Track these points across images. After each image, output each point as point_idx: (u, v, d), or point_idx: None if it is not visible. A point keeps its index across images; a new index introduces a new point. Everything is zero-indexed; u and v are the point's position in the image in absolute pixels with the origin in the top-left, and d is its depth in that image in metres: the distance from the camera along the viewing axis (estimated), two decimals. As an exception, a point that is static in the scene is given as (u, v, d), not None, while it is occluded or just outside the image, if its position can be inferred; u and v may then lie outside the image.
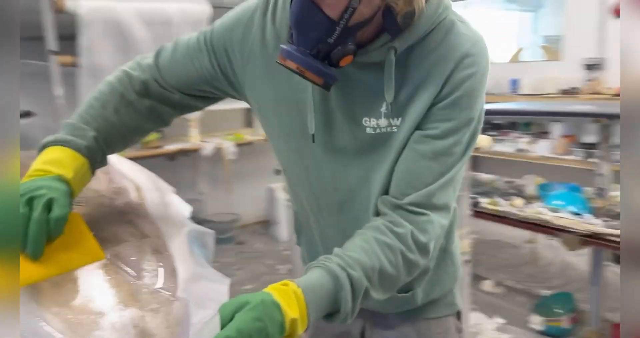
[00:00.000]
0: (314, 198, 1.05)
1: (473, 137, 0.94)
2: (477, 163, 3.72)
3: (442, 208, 0.93)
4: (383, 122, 0.93)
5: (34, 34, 3.10)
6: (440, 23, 0.89)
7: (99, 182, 1.07)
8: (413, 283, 1.06)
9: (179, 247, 0.93)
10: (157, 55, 1.05)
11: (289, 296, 0.73)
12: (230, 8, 1.05)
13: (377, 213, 0.95)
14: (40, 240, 0.77)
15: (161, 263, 0.88)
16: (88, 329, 0.73)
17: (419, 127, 0.92)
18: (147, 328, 0.75)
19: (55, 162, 0.87)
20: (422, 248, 0.90)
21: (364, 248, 0.85)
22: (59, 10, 2.95)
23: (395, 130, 0.93)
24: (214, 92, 1.05)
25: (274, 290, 0.73)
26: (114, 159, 1.11)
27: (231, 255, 4.21)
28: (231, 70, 1.01)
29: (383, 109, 0.92)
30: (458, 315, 1.20)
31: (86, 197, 0.99)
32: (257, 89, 1.00)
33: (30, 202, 0.78)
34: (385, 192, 0.95)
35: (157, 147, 3.70)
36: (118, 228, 0.96)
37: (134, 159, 1.27)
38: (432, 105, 0.90)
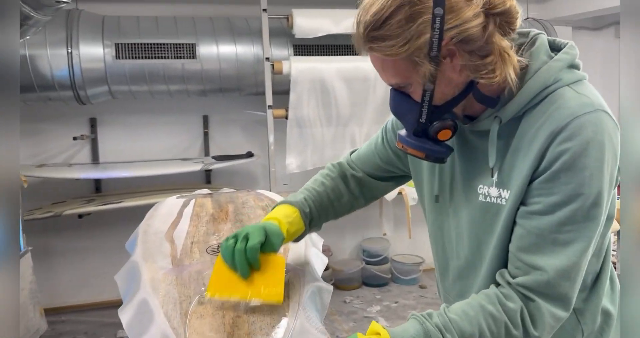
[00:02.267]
0: (443, 259, 1.12)
1: (590, 220, 0.86)
2: None
3: (555, 298, 0.88)
4: (494, 191, 0.95)
5: (259, 91, 3.77)
6: (551, 94, 0.89)
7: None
8: None
9: (295, 302, 1.13)
10: (351, 152, 1.33)
11: None
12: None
13: (497, 283, 0.95)
14: (242, 264, 1.02)
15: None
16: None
17: (523, 202, 0.91)
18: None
19: (278, 213, 1.15)
20: (527, 332, 0.88)
21: (467, 315, 0.87)
22: (277, 72, 3.55)
23: (504, 203, 0.93)
24: (395, 171, 1.25)
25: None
26: None
27: (412, 297, 4.29)
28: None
29: (495, 177, 0.95)
30: None
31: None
32: (414, 161, 1.17)
33: (235, 236, 1.06)
34: (497, 267, 0.97)
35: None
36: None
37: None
38: (533, 180, 0.90)
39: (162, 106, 4.08)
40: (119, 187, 4.05)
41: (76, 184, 3.92)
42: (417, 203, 1.40)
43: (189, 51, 3.56)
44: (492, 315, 0.87)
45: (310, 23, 3.56)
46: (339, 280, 4.39)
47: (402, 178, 1.27)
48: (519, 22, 0.92)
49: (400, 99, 0.95)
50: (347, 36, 3.65)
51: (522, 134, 0.91)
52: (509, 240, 0.95)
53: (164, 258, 1.33)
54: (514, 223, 0.93)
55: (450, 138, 0.96)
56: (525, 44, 0.95)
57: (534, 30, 0.97)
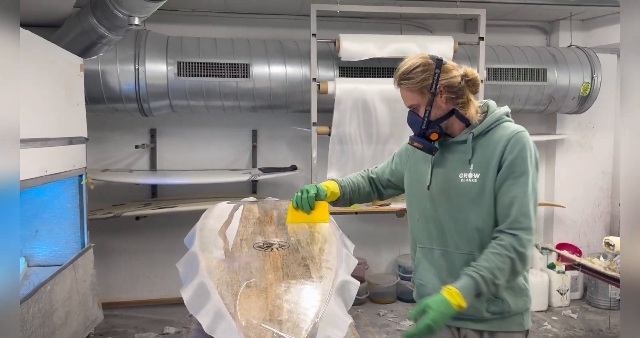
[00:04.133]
0: (433, 230, 1.74)
1: (532, 188, 1.58)
2: None
3: (526, 228, 1.56)
4: (470, 175, 1.65)
5: (305, 108, 4.02)
6: (500, 122, 1.68)
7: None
8: (501, 292, 1.63)
9: (328, 291, 1.33)
10: (373, 169, 2.08)
11: (452, 295, 1.47)
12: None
13: (475, 241, 1.64)
14: (305, 205, 1.85)
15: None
16: None
17: (498, 183, 1.60)
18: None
19: (328, 183, 1.96)
20: (520, 252, 1.54)
21: (486, 258, 1.54)
22: (323, 92, 3.79)
23: (475, 181, 1.63)
24: (394, 182, 1.98)
25: (444, 293, 1.48)
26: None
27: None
28: (401, 166, 1.93)
29: (471, 166, 1.65)
30: (526, 333, 1.71)
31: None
32: (411, 170, 1.86)
33: (302, 190, 1.87)
34: (469, 227, 1.64)
35: (385, 205, 4.20)
36: (297, 268, 1.43)
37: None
38: (499, 166, 1.60)
39: (216, 120, 4.41)
40: (174, 192, 4.38)
41: (135, 188, 4.27)
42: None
43: (243, 70, 3.87)
44: (496, 252, 1.54)
45: (356, 47, 3.79)
46: (374, 294, 4.53)
47: (397, 189, 2.01)
48: (481, 87, 1.81)
49: (412, 115, 1.74)
50: (389, 60, 3.91)
51: (487, 143, 1.65)
52: (475, 204, 1.63)
53: (218, 250, 1.56)
54: (480, 195, 1.62)
55: (437, 139, 1.70)
56: (484, 104, 1.76)
57: (484, 100, 1.78)
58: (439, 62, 1.65)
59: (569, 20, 4.70)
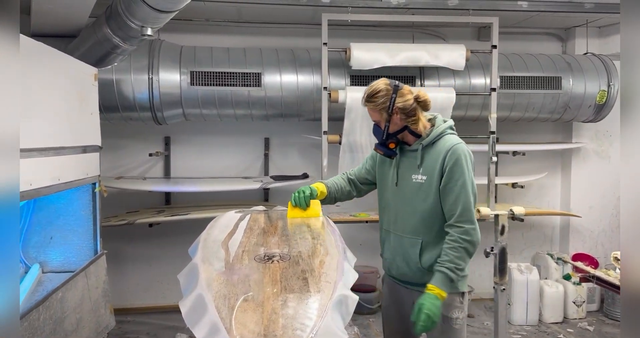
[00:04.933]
0: (392, 216, 2.20)
1: (470, 186, 2.02)
2: None
3: (469, 220, 2.01)
4: (419, 176, 2.09)
5: (316, 117, 4.03)
6: (443, 135, 2.10)
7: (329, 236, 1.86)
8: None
9: (324, 306, 1.33)
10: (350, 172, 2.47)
11: (432, 289, 1.96)
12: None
13: (419, 228, 2.11)
14: (302, 203, 2.23)
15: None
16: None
17: (441, 184, 2.04)
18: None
19: (318, 185, 2.35)
20: (467, 240, 1.99)
21: (445, 254, 2.01)
22: (334, 101, 3.80)
23: (423, 181, 2.08)
24: (369, 180, 2.38)
25: (427, 290, 1.96)
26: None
27: (457, 324, 4.32)
28: (374, 166, 2.35)
29: (420, 170, 2.09)
30: (462, 294, 2.12)
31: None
32: (379, 169, 2.30)
33: (299, 191, 2.26)
34: (416, 217, 2.11)
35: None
36: (295, 282, 1.43)
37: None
38: (442, 172, 2.03)
39: (229, 128, 4.45)
40: (187, 199, 4.42)
41: (149, 196, 4.33)
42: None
43: (255, 80, 3.90)
44: (450, 246, 2.00)
45: (367, 56, 3.79)
46: (385, 302, 4.49)
47: (372, 185, 2.38)
48: (430, 106, 2.12)
49: (376, 128, 2.17)
50: (400, 68, 3.93)
51: (432, 152, 2.08)
52: (422, 199, 2.08)
53: (219, 262, 1.57)
54: (426, 192, 2.07)
55: (395, 147, 2.14)
56: (433, 118, 2.17)
57: (435, 114, 2.19)
58: (395, 88, 2.07)
59: (585, 27, 4.64)
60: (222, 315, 1.24)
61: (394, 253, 2.20)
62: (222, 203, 4.29)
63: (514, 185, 4.67)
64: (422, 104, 2.08)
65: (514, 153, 4.55)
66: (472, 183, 2.04)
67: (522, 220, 2.99)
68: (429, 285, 1.97)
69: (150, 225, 3.95)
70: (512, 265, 4.36)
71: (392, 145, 2.12)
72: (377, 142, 2.18)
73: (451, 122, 2.16)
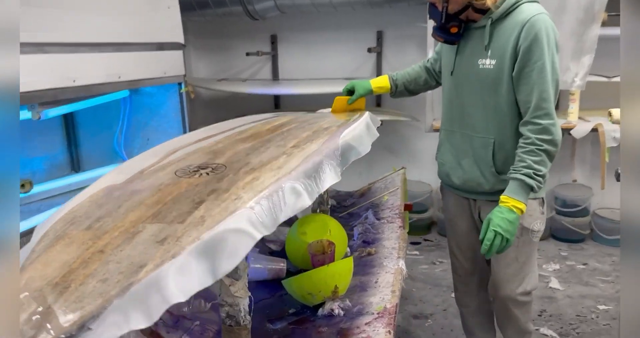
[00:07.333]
0: (455, 113, 1.83)
1: (551, 71, 1.60)
2: None
3: (547, 113, 1.61)
4: (487, 61, 1.68)
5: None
6: (517, 7, 1.65)
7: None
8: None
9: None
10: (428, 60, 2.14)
11: (504, 201, 1.61)
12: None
13: (492, 126, 1.73)
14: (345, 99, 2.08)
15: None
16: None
17: (515, 70, 1.62)
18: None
19: (379, 78, 2.13)
20: (547, 140, 1.60)
21: (520, 159, 1.62)
22: None
23: (491, 67, 1.67)
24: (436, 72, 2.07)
25: (504, 204, 1.61)
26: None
27: (609, 262, 3.40)
28: (440, 52, 1.97)
29: (488, 52, 1.68)
30: (542, 201, 1.80)
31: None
32: (444, 57, 1.90)
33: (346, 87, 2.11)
34: (488, 112, 1.72)
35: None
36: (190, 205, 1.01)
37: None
38: (516, 54, 1.61)
39: (336, 21, 3.89)
40: (295, 104, 4.11)
41: (259, 100, 4.10)
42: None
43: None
44: (526, 150, 1.62)
45: None
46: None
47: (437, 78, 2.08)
48: None
49: (432, 8, 1.74)
50: None
51: (503, 29, 1.66)
52: (493, 90, 1.69)
53: (126, 174, 1.21)
54: (496, 81, 1.67)
55: (457, 32, 1.73)
56: None
57: None
58: None
59: None
60: (38, 247, 0.89)
61: (458, 156, 1.84)
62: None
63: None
64: None
65: None
66: (552, 67, 1.59)
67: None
68: (502, 197, 1.61)
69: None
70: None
71: (454, 30, 1.70)
72: (433, 28, 1.76)
73: None
